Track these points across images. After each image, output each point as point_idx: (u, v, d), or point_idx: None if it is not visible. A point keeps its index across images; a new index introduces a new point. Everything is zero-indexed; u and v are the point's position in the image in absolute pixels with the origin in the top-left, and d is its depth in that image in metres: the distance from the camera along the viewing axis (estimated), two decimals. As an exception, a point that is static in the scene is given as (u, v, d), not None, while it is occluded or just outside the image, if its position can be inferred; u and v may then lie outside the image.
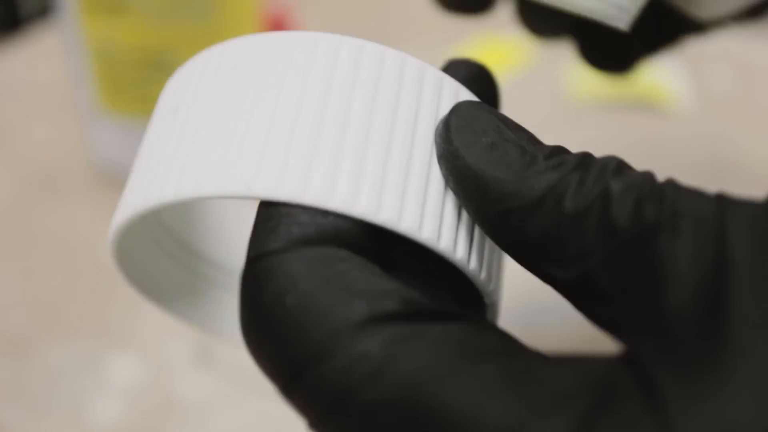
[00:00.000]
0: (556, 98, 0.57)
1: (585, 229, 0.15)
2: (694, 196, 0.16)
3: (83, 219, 0.47)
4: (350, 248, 0.16)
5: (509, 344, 0.15)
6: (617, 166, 0.16)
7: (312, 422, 0.15)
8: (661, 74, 0.57)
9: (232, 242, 0.24)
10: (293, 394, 0.15)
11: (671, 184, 0.16)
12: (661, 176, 0.17)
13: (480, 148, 0.17)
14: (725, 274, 0.14)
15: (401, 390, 0.14)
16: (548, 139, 0.18)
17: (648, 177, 0.16)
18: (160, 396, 0.39)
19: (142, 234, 0.21)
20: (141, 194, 0.18)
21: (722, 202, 0.15)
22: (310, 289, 0.15)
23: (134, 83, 0.45)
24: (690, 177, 0.18)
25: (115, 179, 0.49)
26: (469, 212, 0.17)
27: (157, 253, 0.22)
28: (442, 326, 0.15)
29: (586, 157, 0.17)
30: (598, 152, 0.17)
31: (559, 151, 0.17)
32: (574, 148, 0.18)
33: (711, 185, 0.19)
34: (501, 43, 0.61)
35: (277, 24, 0.55)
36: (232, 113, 0.17)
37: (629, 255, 0.15)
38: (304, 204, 0.16)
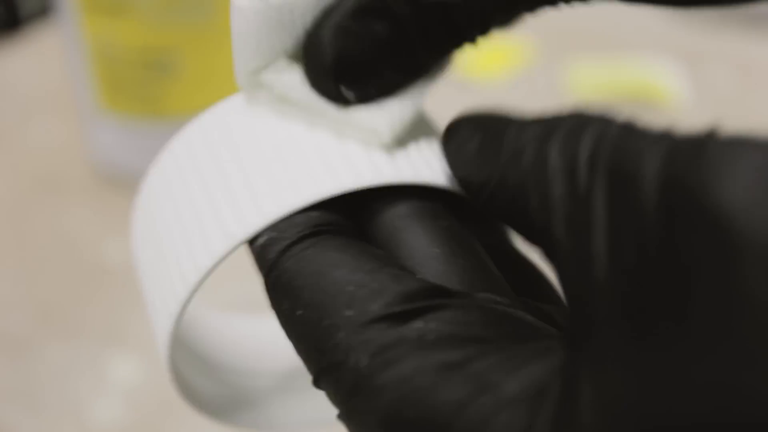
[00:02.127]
0: (556, 98, 0.57)
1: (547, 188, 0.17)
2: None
3: (83, 219, 0.47)
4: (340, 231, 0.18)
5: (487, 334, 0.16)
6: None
7: (338, 415, 0.17)
8: (660, 73, 0.57)
9: (248, 347, 0.26)
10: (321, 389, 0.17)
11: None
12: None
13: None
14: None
15: (391, 394, 0.16)
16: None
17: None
18: (160, 396, 0.39)
19: (182, 361, 0.23)
20: (171, 290, 0.19)
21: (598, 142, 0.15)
22: (310, 300, 0.17)
23: (134, 83, 0.45)
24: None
25: (115, 179, 0.49)
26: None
27: (199, 378, 0.24)
28: (422, 325, 0.16)
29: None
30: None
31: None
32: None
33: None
34: (501, 43, 0.61)
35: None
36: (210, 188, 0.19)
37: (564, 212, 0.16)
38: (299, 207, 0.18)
